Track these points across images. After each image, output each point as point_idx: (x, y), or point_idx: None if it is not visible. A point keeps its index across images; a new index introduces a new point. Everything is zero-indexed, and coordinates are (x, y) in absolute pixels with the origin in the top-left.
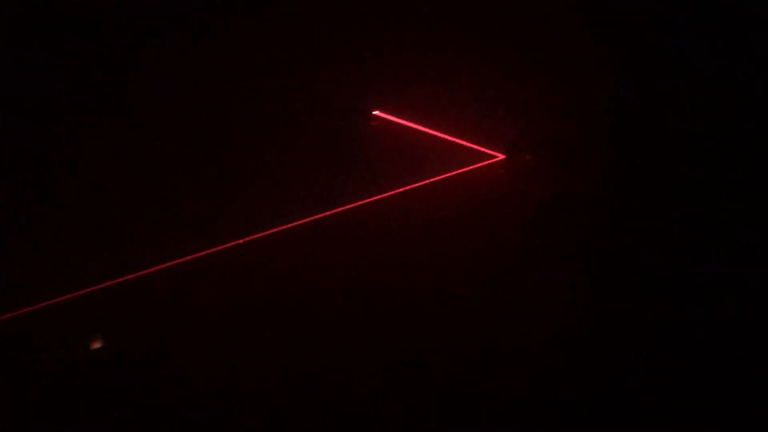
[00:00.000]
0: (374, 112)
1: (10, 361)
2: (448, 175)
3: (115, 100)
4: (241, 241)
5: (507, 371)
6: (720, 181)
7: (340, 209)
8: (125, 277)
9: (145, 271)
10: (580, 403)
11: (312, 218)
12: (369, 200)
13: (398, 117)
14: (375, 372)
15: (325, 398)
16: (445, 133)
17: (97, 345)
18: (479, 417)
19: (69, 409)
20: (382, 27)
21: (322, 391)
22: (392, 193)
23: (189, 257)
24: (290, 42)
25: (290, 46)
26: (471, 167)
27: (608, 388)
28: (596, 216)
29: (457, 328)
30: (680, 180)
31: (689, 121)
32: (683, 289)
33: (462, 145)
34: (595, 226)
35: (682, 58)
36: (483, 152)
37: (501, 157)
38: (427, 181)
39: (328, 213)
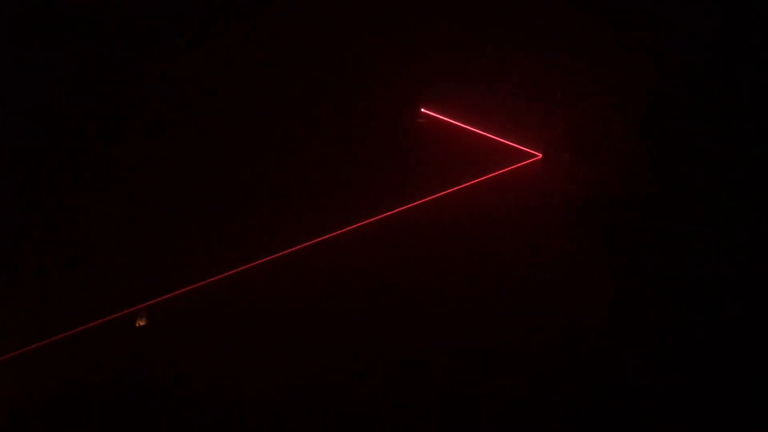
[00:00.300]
0: (422, 110)
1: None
2: (488, 176)
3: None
4: (290, 250)
5: (547, 371)
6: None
7: (384, 215)
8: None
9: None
10: (608, 405)
11: (360, 223)
12: (413, 204)
13: (444, 115)
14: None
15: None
16: (484, 130)
17: (142, 322)
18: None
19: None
20: (433, 27)
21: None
22: (433, 197)
23: (245, 266)
24: (348, 39)
25: (348, 44)
26: (510, 167)
27: (632, 389)
28: (633, 216)
29: (504, 327)
30: (721, 183)
31: (732, 123)
32: (719, 293)
33: (501, 143)
34: (633, 226)
35: (727, 58)
36: (521, 151)
37: (538, 156)
38: (468, 184)
39: (373, 218)
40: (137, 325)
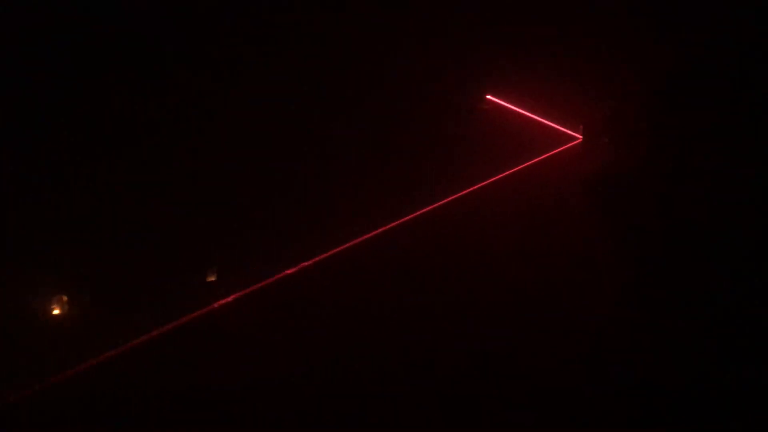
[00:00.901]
0: (487, 96)
1: None
2: (534, 160)
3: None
4: (355, 241)
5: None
6: None
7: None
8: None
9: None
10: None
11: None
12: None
13: (506, 101)
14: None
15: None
16: (536, 114)
17: (212, 278)
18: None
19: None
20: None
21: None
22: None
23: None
24: (421, 35)
25: (421, 40)
26: (555, 150)
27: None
28: (671, 200)
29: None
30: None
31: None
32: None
33: (547, 126)
34: (669, 210)
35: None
36: (564, 134)
37: (579, 138)
38: (521, 167)
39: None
40: (207, 280)
